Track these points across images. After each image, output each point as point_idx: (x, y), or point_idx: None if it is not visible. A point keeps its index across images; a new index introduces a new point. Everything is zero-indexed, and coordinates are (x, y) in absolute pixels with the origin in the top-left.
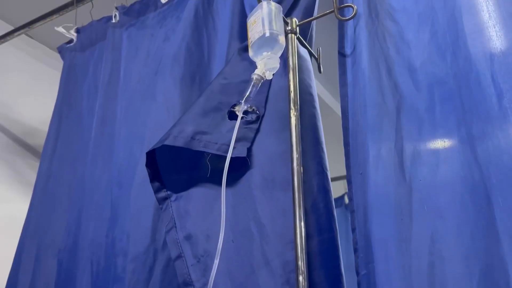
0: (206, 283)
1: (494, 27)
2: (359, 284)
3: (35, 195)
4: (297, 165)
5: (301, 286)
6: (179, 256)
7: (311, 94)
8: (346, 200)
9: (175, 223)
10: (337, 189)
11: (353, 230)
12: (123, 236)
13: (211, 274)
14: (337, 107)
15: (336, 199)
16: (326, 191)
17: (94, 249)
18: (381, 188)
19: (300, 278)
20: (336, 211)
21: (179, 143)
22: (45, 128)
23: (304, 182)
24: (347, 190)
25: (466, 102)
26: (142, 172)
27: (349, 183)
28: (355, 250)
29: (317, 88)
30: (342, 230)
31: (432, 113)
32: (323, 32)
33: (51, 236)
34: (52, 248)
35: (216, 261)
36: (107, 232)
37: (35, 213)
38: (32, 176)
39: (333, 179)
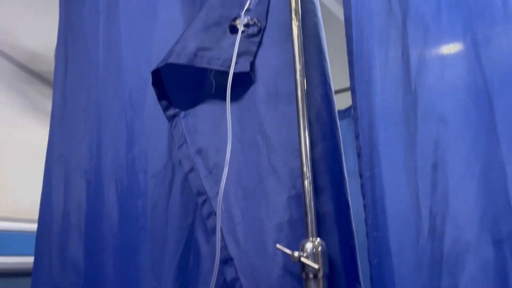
0: (218, 192)
1: None
2: (362, 186)
3: (53, 122)
4: (300, 76)
5: (306, 189)
6: (192, 169)
7: (312, 3)
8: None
9: (185, 139)
10: (343, 101)
11: (357, 136)
12: (141, 155)
13: (222, 181)
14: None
15: (343, 111)
16: (329, 100)
17: (116, 169)
18: (388, 95)
19: (306, 182)
20: (343, 122)
21: (182, 60)
22: (49, 53)
23: (308, 92)
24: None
25: (473, 9)
26: (152, 93)
27: (353, 92)
28: (359, 155)
29: None
30: (350, 140)
31: (438, 20)
32: None
33: (76, 160)
34: (79, 170)
35: (226, 169)
36: (126, 153)
37: (56, 139)
38: (44, 102)
39: (339, 91)
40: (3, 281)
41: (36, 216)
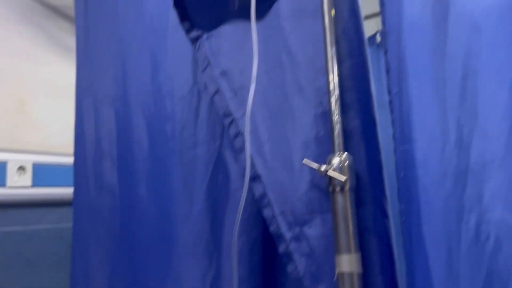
0: (244, 113)
1: None
2: (390, 102)
3: (79, 53)
4: None
5: (333, 106)
6: (217, 91)
7: None
8: (378, 39)
9: (209, 61)
10: (367, 29)
11: (386, 52)
12: (167, 80)
13: (249, 95)
14: None
15: (367, 39)
16: (356, 16)
17: (143, 95)
18: (417, 4)
19: (332, 99)
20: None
21: None
22: None
23: (334, 7)
24: (379, 29)
25: None
26: (174, 17)
27: (382, 4)
28: (387, 71)
29: None
30: (374, 70)
31: None
32: None
33: (104, 89)
34: (107, 99)
35: (253, 85)
36: (152, 79)
37: (83, 71)
38: (66, 38)
39: (364, 18)
40: (45, 210)
41: (68, 150)
